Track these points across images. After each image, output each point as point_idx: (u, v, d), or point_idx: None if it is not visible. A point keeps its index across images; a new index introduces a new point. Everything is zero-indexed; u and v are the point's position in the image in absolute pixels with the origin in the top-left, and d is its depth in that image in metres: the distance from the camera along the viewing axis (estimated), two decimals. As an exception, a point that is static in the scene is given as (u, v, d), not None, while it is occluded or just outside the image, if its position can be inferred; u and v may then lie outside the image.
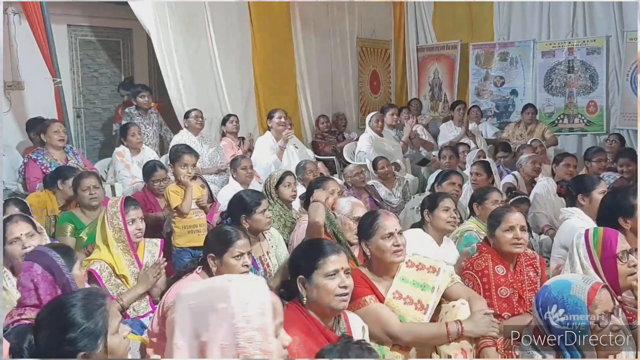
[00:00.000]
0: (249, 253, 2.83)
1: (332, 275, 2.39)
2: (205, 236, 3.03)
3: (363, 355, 1.91)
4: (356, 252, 3.42)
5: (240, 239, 2.81)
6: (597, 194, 3.84)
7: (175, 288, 2.72)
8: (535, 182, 5.86)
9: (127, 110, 6.71)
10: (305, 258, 2.47)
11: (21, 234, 3.08)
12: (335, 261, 2.41)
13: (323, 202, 3.54)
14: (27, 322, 2.44)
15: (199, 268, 2.81)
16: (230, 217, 3.74)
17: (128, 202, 3.58)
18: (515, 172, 5.89)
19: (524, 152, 6.46)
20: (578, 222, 3.69)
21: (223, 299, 1.58)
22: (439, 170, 6.09)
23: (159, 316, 2.70)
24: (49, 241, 3.52)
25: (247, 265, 2.77)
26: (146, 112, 6.65)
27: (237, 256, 2.75)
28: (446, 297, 2.85)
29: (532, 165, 5.85)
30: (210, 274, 2.77)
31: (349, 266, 2.50)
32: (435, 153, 7.52)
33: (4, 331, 2.42)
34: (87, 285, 2.92)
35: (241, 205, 3.67)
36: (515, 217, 3.17)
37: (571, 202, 4.02)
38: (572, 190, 4.04)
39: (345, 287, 2.40)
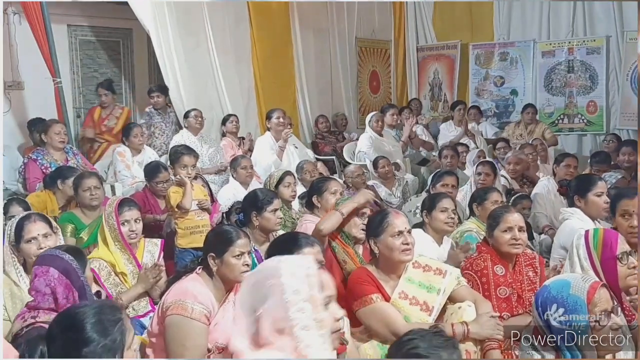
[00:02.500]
0: (249, 252, 2.84)
1: None
2: (205, 236, 3.03)
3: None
4: (360, 249, 3.42)
5: (241, 238, 2.81)
6: (593, 196, 3.81)
7: (174, 288, 2.73)
8: (524, 180, 5.91)
9: (147, 110, 6.77)
10: (280, 250, 2.51)
11: (38, 234, 3.08)
12: (308, 253, 2.48)
13: (343, 214, 3.39)
14: (42, 324, 2.45)
15: (199, 268, 2.81)
16: (242, 212, 3.79)
17: (123, 203, 3.59)
18: (504, 172, 5.91)
19: (524, 150, 6.49)
20: (578, 222, 3.68)
21: (274, 275, 1.70)
22: (438, 170, 6.11)
23: (159, 316, 2.70)
24: (62, 240, 3.52)
25: (247, 265, 2.77)
26: (165, 111, 6.65)
27: (238, 255, 2.75)
28: (452, 299, 2.85)
29: (507, 166, 5.94)
30: (210, 274, 2.76)
31: (322, 259, 2.60)
32: (435, 153, 7.52)
33: (17, 334, 2.43)
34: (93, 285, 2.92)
35: (253, 202, 3.71)
36: (514, 218, 3.16)
37: (572, 202, 4.00)
38: (570, 191, 4.03)
39: None
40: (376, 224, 2.93)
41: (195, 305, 2.59)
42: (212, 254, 2.76)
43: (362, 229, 3.27)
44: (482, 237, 3.66)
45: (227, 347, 1.66)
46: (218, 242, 2.80)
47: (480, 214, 3.98)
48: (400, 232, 2.84)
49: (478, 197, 4.08)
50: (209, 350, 2.63)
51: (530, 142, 7.24)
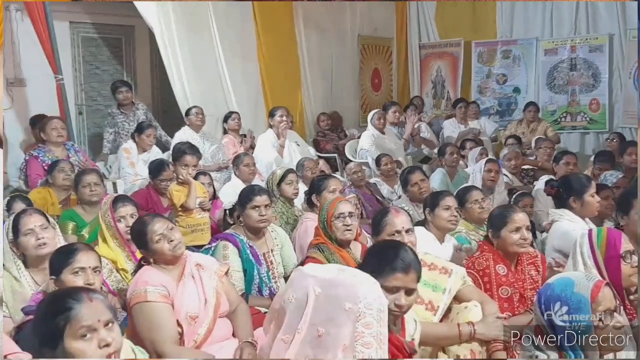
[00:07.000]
0: (171, 228, 2.84)
1: (392, 291, 2.16)
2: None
3: None
4: (358, 252, 3.39)
5: (151, 223, 2.82)
6: (589, 197, 3.76)
7: (130, 286, 2.76)
8: (523, 175, 5.89)
9: (109, 110, 6.64)
10: (373, 267, 2.19)
11: (35, 226, 3.10)
12: (399, 279, 2.18)
13: None
14: None
15: (143, 261, 2.85)
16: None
17: (117, 200, 3.61)
18: (505, 170, 5.89)
19: (541, 146, 6.47)
20: (569, 224, 3.64)
21: (351, 299, 1.65)
22: (440, 169, 6.09)
23: (130, 316, 2.72)
24: (61, 236, 3.54)
25: (172, 241, 2.77)
26: (130, 109, 6.56)
27: (158, 240, 2.76)
28: (457, 299, 2.83)
29: (507, 162, 5.89)
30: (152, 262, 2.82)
31: (414, 287, 2.25)
32: (436, 151, 7.49)
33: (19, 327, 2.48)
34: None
35: (239, 198, 3.71)
36: (520, 218, 3.14)
37: (560, 203, 3.89)
38: (563, 192, 3.89)
39: (400, 306, 2.18)
40: (376, 223, 2.93)
41: (148, 289, 2.64)
42: (141, 250, 2.83)
43: (347, 230, 3.19)
44: (471, 238, 3.65)
45: (348, 347, 1.62)
46: (136, 237, 2.88)
47: (465, 215, 3.94)
48: (398, 232, 2.83)
49: (462, 198, 3.98)
50: (180, 326, 2.66)
51: (533, 140, 7.23)
